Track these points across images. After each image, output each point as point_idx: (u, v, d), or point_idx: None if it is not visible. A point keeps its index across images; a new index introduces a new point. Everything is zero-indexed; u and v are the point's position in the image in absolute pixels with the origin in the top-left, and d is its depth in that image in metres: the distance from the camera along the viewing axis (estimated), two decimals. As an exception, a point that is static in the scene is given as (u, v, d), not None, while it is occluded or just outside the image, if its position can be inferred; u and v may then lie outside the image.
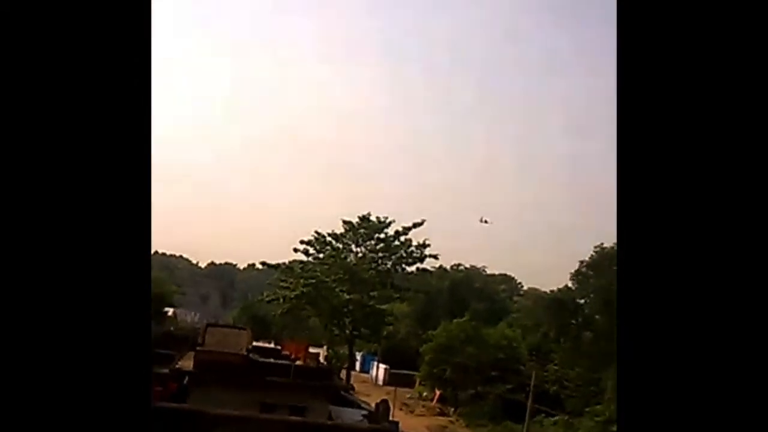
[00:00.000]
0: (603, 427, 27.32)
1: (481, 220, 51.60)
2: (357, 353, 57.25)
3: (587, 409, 29.92)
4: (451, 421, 40.08)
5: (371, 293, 44.45)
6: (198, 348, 25.95)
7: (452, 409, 42.02)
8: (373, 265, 44.44)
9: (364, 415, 33.41)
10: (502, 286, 62.16)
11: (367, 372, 55.17)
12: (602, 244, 44.43)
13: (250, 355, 34.59)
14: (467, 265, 57.31)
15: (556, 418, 35.54)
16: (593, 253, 44.95)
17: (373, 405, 35.06)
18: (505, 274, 66.07)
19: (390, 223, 44.42)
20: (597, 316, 42.36)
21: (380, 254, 44.99)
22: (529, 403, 31.18)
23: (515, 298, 59.96)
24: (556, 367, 37.20)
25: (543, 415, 35.32)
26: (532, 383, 31.75)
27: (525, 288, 66.49)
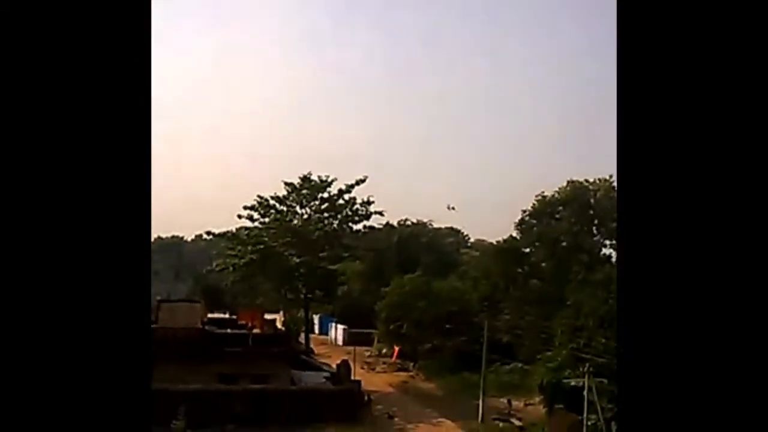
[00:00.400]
0: (554, 373, 28.56)
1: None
2: (314, 316, 57.68)
3: (539, 357, 31.05)
4: (411, 376, 41.03)
5: (321, 254, 44.44)
6: (152, 326, 25.72)
7: (412, 364, 42.85)
8: (320, 225, 44.26)
9: (326, 377, 34.12)
10: (450, 239, 63.05)
11: (327, 334, 55.47)
12: (543, 192, 45.86)
13: (206, 327, 34.48)
14: (414, 220, 57.98)
15: (511, 366, 37.14)
16: (534, 202, 46.32)
17: (334, 366, 35.78)
18: (452, 227, 67.23)
19: (332, 181, 44.12)
20: (543, 264, 43.95)
21: (326, 214, 44.82)
22: (483, 353, 32.37)
23: (463, 251, 61.20)
24: (507, 317, 38.45)
25: (498, 363, 36.85)
26: (485, 333, 32.84)
27: (472, 240, 68.04)
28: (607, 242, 45.61)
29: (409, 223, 56.91)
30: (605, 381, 25.56)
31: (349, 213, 44.99)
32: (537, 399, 30.96)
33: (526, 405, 33.15)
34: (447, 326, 38.72)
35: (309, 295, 45.58)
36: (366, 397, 33.53)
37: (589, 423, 24.88)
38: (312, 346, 46.41)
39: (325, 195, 44.68)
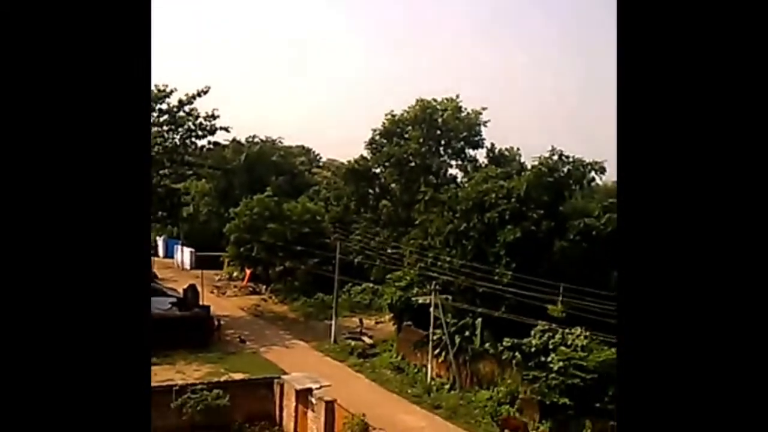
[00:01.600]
0: (403, 292, 29.68)
1: None
2: (158, 238, 54.29)
3: (389, 277, 31.93)
4: (263, 299, 40.70)
5: (161, 171, 41.37)
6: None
7: (264, 287, 42.49)
8: (159, 140, 40.77)
9: (172, 303, 32.61)
10: (301, 159, 61.52)
11: (172, 257, 53.07)
12: (392, 111, 45.88)
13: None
14: (263, 137, 55.71)
15: (362, 286, 38.09)
16: (384, 121, 46.36)
17: (181, 291, 34.29)
18: (303, 146, 65.65)
19: (172, 91, 39.88)
20: (392, 185, 44.68)
21: (165, 127, 41.35)
22: (335, 275, 32.82)
23: (314, 170, 60.50)
24: (358, 238, 39.03)
25: (350, 284, 37.58)
26: (337, 255, 33.21)
27: (323, 159, 67.27)
28: (453, 162, 47.23)
29: (257, 140, 54.54)
30: (450, 298, 27.10)
31: (192, 127, 41.63)
32: (387, 317, 32.24)
33: (377, 323, 34.53)
34: (299, 248, 38.36)
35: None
36: (216, 322, 32.78)
37: (435, 337, 26.40)
38: (155, 270, 44.14)
39: (164, 106, 40.81)
